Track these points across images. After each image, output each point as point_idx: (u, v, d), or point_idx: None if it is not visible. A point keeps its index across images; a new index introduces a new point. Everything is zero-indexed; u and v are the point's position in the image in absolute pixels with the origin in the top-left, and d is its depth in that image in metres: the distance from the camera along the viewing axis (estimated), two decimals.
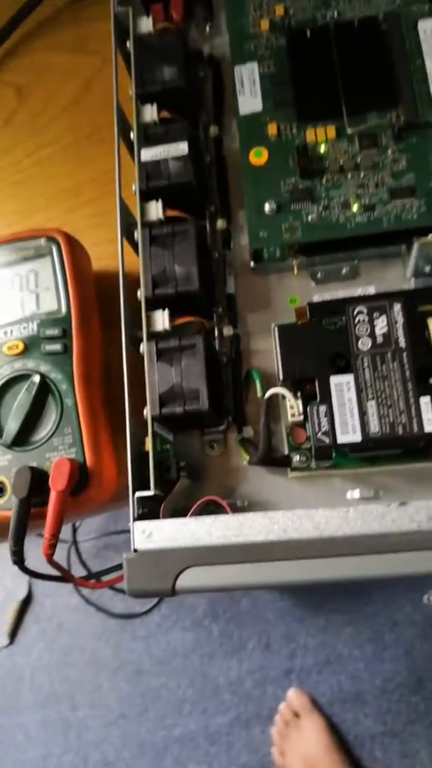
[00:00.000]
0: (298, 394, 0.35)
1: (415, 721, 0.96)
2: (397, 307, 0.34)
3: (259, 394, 0.36)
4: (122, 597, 1.06)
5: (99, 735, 1.04)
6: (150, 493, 0.33)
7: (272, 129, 0.39)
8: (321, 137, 0.38)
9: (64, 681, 1.07)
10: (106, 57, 0.47)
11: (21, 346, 0.37)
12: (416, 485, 0.35)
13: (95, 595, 1.06)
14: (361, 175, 0.37)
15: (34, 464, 0.36)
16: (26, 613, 1.09)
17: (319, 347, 0.34)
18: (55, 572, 0.36)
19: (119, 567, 0.35)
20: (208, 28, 0.44)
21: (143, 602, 1.06)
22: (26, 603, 1.08)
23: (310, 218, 0.37)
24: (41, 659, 1.08)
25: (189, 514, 0.34)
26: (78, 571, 1.05)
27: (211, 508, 0.36)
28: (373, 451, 0.33)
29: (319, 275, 0.39)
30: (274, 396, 0.36)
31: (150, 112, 0.39)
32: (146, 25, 0.41)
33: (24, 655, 1.08)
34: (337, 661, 1.00)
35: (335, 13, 0.40)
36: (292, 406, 0.35)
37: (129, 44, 0.40)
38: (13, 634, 1.08)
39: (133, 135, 0.39)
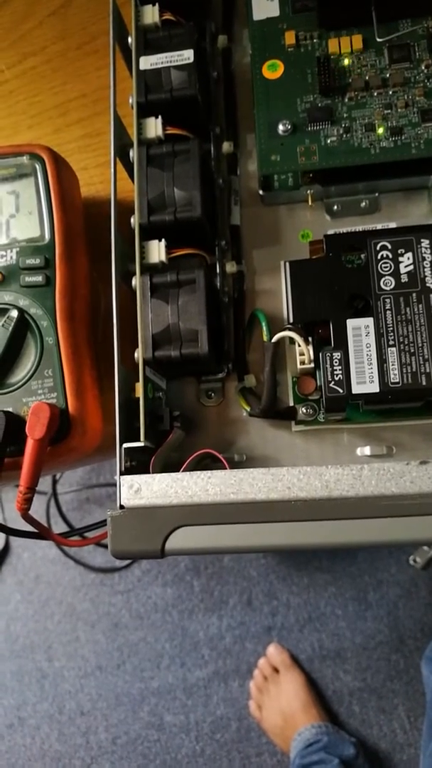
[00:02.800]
0: (309, 339, 0.31)
1: (394, 678, 0.96)
2: (426, 242, 0.30)
3: (265, 338, 0.33)
4: (102, 551, 1.04)
5: (75, 685, 1.03)
6: (140, 444, 0.30)
7: (290, 38, 0.34)
8: (345, 48, 0.33)
9: (41, 632, 1.05)
10: None
11: None
12: None
13: (74, 549, 1.03)
14: (390, 93, 0.33)
15: (10, 409, 0.32)
16: (2, 564, 1.07)
17: (336, 286, 0.30)
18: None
19: (102, 523, 0.31)
20: None
21: None
22: (2, 554, 1.06)
23: (329, 141, 0.33)
24: (17, 610, 1.06)
25: (182, 468, 0.31)
26: (58, 526, 1.02)
27: (206, 463, 0.33)
28: (390, 404, 0.30)
29: (335, 208, 0.35)
30: (281, 341, 0.32)
31: (151, 13, 0.34)
32: None
33: (1, 605, 1.06)
34: (318, 619, 0.99)
35: None
36: (302, 353, 0.31)
37: None
38: None
39: (131, 40, 0.34)
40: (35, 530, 0.32)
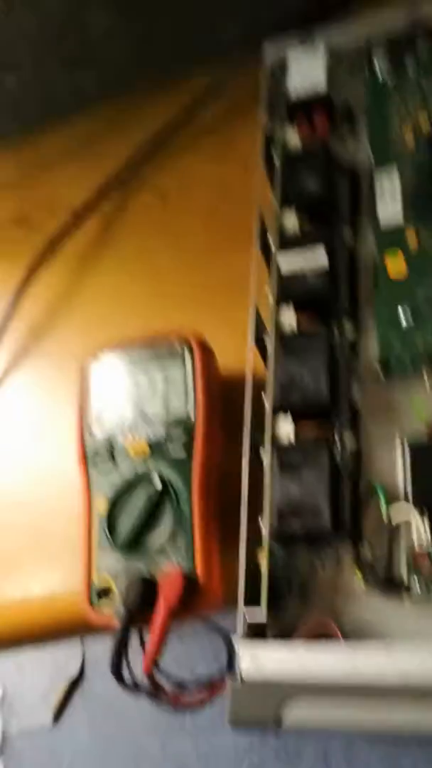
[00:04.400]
0: (425, 517, 0.33)
1: None
2: None
3: (383, 515, 0.35)
4: None
5: None
6: (261, 610, 0.32)
7: (412, 239, 0.39)
8: None
9: None
10: (246, 166, 0.49)
11: (146, 448, 0.37)
12: None
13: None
14: None
15: (144, 570, 0.35)
16: (75, 691, 1.06)
17: None
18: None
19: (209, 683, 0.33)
20: (348, 138, 0.45)
21: None
22: (76, 682, 1.05)
23: None
24: (82, 744, 1.04)
25: (297, 635, 0.32)
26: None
27: (321, 631, 0.34)
28: None
29: None
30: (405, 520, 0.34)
31: (291, 221, 0.40)
32: (293, 137, 0.42)
33: (67, 738, 1.04)
34: None
35: None
36: (420, 533, 0.33)
37: (275, 155, 0.42)
38: (59, 714, 1.04)
39: (271, 242, 0.40)
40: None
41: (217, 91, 0.52)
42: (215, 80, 0.52)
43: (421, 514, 0.33)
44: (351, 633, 0.34)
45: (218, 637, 0.34)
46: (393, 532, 0.34)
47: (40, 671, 1.06)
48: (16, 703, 1.07)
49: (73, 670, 1.04)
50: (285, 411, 0.36)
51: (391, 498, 0.35)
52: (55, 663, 1.08)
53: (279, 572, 0.35)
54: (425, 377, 0.37)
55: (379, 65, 0.45)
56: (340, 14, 0.46)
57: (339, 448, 0.37)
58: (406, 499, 0.34)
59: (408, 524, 0.34)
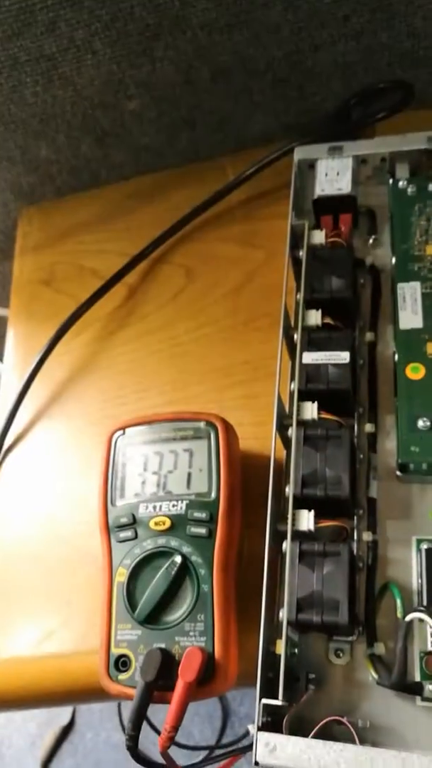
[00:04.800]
0: None
1: None
2: None
3: (399, 614, 0.36)
4: None
5: None
6: (278, 702, 0.33)
7: (431, 347, 0.41)
8: None
9: None
10: (269, 252, 0.52)
11: (168, 523, 0.38)
12: None
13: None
14: None
15: (163, 646, 0.36)
16: (64, 741, 1.04)
17: None
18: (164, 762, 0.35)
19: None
20: (371, 240, 0.48)
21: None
22: (66, 730, 1.04)
23: None
24: None
25: (313, 732, 0.33)
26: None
27: (333, 725, 0.35)
28: None
29: None
30: (418, 620, 0.35)
31: (315, 317, 0.42)
32: (319, 237, 0.45)
33: None
34: None
35: None
36: None
37: (301, 253, 0.44)
38: (47, 764, 1.03)
39: (296, 336, 0.42)
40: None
41: (244, 179, 0.55)
42: (243, 169, 0.55)
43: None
44: (363, 729, 0.35)
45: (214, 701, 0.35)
46: (407, 631, 0.35)
47: (30, 716, 1.04)
48: (2, 748, 1.05)
49: (64, 719, 1.02)
50: (307, 504, 0.37)
51: (408, 596, 0.37)
52: (46, 709, 1.06)
53: (295, 660, 0.36)
54: None
55: (402, 177, 0.48)
56: (366, 134, 0.49)
57: (356, 543, 0.38)
58: (420, 597, 0.35)
59: (422, 622, 0.36)
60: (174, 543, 0.38)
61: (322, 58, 0.52)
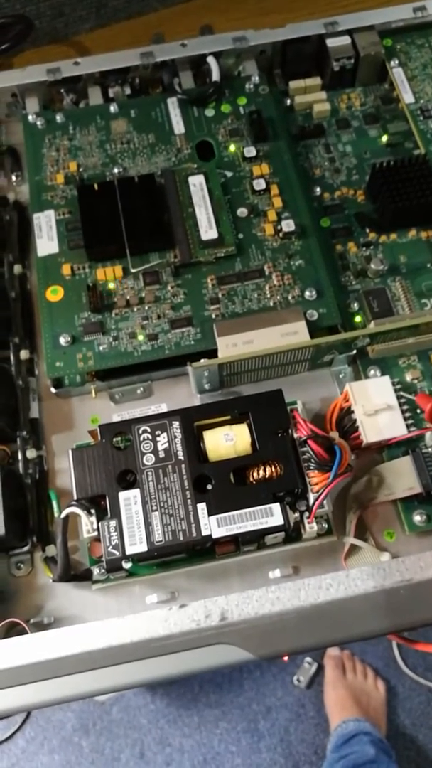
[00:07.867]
0: (93, 510, 0.37)
1: None
2: (176, 423, 0.38)
3: (55, 514, 0.39)
4: None
5: None
6: None
7: (66, 269, 0.43)
8: (110, 276, 0.43)
9: None
10: None
11: None
12: (209, 583, 0.39)
13: None
14: (146, 308, 0.42)
15: None
16: None
17: (109, 465, 0.37)
18: None
19: None
20: (14, 177, 0.49)
21: (5, 726, 1.00)
22: None
23: (101, 348, 0.41)
24: None
25: None
26: None
27: (20, 628, 0.37)
28: (159, 558, 0.36)
29: (117, 396, 0.43)
30: (72, 514, 0.38)
31: None
32: None
33: None
34: (214, 760, 0.98)
35: (120, 170, 0.47)
36: (87, 523, 0.37)
37: None
38: None
39: None
40: None
41: None
42: None
43: (87, 507, 0.37)
44: (48, 625, 0.38)
45: None
46: (69, 529, 0.38)
47: None
48: None
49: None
50: None
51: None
52: None
53: None
54: (91, 387, 0.42)
55: (31, 111, 0.49)
56: None
57: (21, 463, 0.40)
58: (73, 497, 0.38)
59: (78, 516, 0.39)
60: None
61: None
